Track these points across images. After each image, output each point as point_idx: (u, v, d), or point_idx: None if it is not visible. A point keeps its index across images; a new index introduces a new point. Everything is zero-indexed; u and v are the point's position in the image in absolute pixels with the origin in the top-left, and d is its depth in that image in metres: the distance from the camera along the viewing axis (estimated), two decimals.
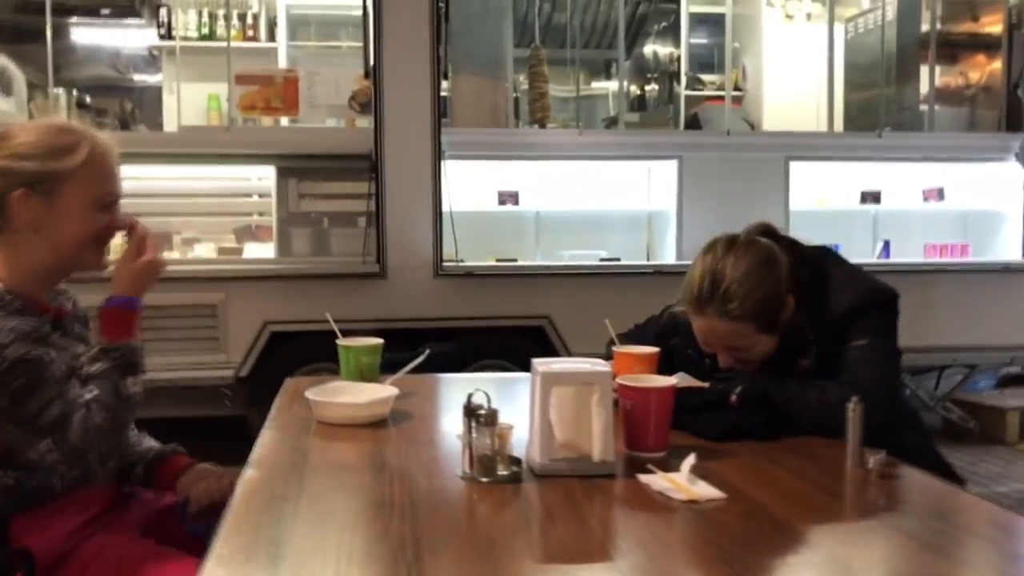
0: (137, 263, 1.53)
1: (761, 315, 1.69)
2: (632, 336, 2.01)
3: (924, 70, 4.74)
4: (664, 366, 1.79)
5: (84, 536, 1.44)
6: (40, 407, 1.35)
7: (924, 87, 4.76)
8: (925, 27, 4.71)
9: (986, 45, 4.85)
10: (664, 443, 1.46)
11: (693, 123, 5.21)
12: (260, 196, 4.21)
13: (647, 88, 6.10)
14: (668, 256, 4.28)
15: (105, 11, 5.72)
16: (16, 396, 1.34)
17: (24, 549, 1.37)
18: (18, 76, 4.44)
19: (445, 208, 3.95)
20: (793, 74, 5.51)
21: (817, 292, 1.77)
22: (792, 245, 1.80)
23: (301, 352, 3.88)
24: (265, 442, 1.54)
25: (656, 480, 1.30)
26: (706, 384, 1.72)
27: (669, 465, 1.36)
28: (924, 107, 4.72)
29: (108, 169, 1.53)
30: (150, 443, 1.70)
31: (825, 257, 1.84)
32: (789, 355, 1.75)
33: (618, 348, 1.79)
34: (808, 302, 1.75)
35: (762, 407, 1.61)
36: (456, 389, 2.12)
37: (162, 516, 1.59)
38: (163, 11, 5.40)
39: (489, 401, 1.34)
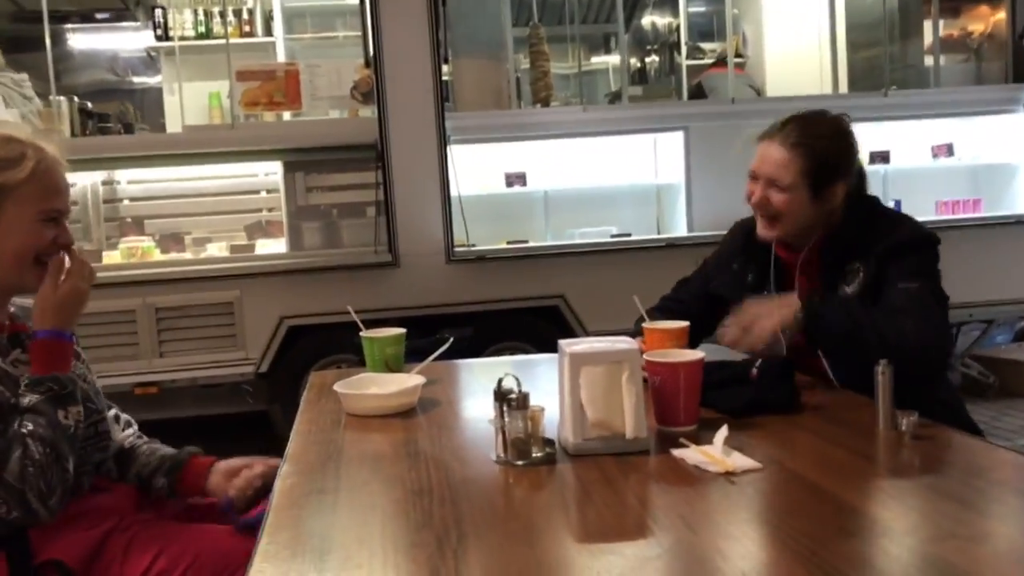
0: (58, 293, 1.43)
1: (810, 160, 1.81)
2: (664, 308, 2.04)
3: (927, 25, 4.69)
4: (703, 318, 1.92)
5: (112, 532, 1.43)
6: None
7: (928, 42, 4.71)
8: None
9: None
10: (695, 417, 1.46)
11: (697, 92, 5.17)
12: (268, 192, 4.22)
13: (647, 60, 6.07)
14: (679, 228, 4.27)
15: (100, 15, 5.72)
16: None
17: (55, 561, 1.36)
18: (13, 93, 4.45)
19: (453, 193, 3.94)
20: (794, 37, 5.45)
21: (867, 221, 1.84)
22: (863, 180, 1.93)
23: (319, 345, 3.90)
24: (297, 437, 1.56)
25: (690, 454, 1.31)
26: (729, 357, 1.74)
27: (701, 439, 1.37)
28: (929, 62, 4.67)
29: (55, 182, 1.47)
30: (164, 451, 1.67)
31: (877, 199, 1.93)
32: (835, 281, 1.82)
33: (647, 324, 1.79)
34: (857, 226, 1.83)
35: (783, 380, 1.61)
36: (477, 373, 2.13)
37: (195, 513, 1.59)
38: (158, 12, 5.38)
39: (519, 384, 1.35)
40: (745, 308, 1.75)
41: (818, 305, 1.72)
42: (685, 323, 1.77)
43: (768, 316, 1.71)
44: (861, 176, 1.93)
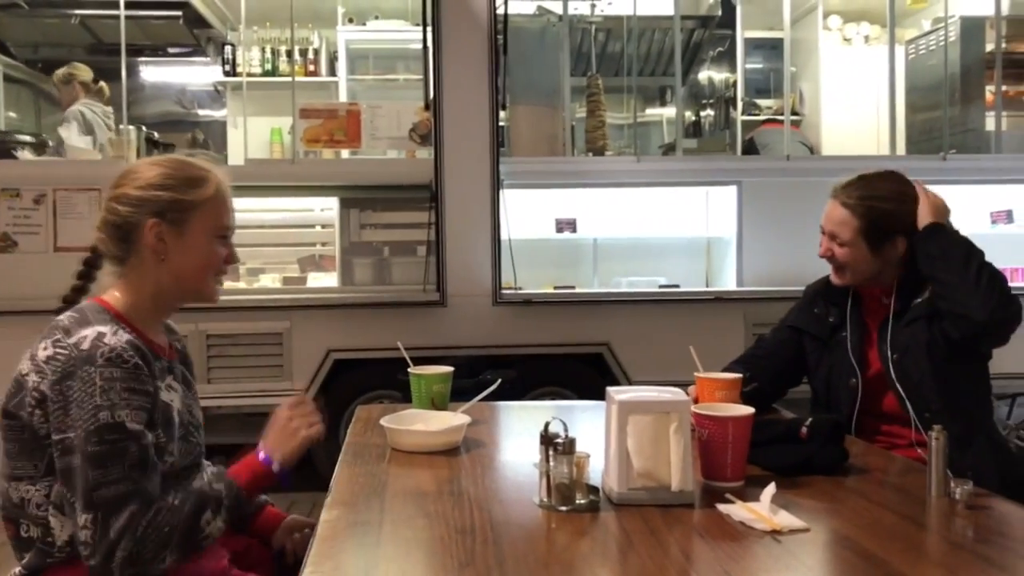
0: (298, 435, 1.52)
1: (866, 219, 1.95)
2: (743, 360, 2.11)
3: (989, 89, 4.65)
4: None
5: (182, 571, 1.44)
6: (101, 481, 1.30)
7: (989, 106, 4.66)
8: (989, 47, 4.63)
9: None
10: (741, 472, 1.45)
11: (749, 148, 5.17)
12: (323, 227, 4.30)
13: (702, 114, 6.08)
14: (728, 282, 4.24)
15: (173, 50, 5.94)
16: (89, 460, 1.30)
17: None
18: (100, 122, 4.67)
19: (504, 236, 3.97)
20: (851, 98, 5.44)
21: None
22: None
23: (364, 379, 3.93)
24: (343, 468, 1.57)
25: (736, 510, 1.29)
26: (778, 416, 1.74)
27: (747, 495, 1.35)
28: (990, 127, 4.61)
29: (229, 202, 1.59)
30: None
31: None
32: (911, 296, 1.97)
33: (700, 373, 1.80)
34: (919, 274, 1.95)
35: (833, 441, 1.59)
36: (522, 416, 2.14)
37: (240, 556, 1.62)
38: (228, 49, 5.58)
39: (566, 429, 1.35)
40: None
41: (817, 426, 1.68)
42: (738, 376, 1.77)
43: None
44: None
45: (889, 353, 1.94)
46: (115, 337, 1.38)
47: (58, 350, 1.37)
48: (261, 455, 1.49)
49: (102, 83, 4.83)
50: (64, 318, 1.44)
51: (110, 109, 4.78)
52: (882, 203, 1.98)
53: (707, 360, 1.97)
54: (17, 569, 1.44)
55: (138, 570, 1.31)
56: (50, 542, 1.40)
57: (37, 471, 1.39)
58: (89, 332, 1.38)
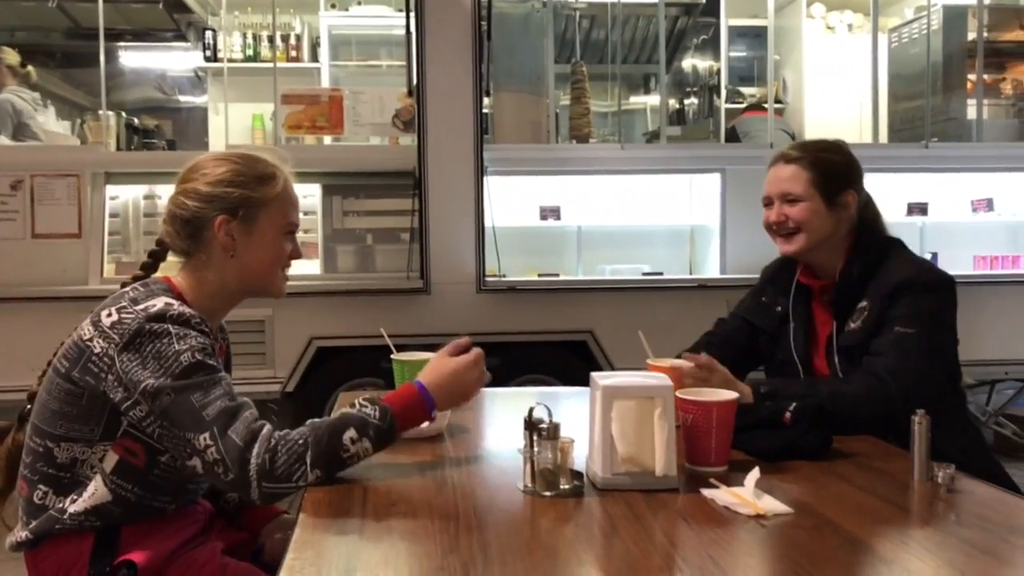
0: (463, 379, 1.49)
1: (817, 169, 1.91)
2: (707, 344, 2.08)
3: (970, 79, 4.67)
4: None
5: (178, 556, 1.46)
6: (204, 401, 1.33)
7: (971, 96, 4.69)
8: (971, 35, 4.65)
9: None
10: (725, 457, 1.45)
11: (731, 136, 5.18)
12: (305, 213, 4.26)
13: (686, 102, 6.08)
14: (711, 270, 4.25)
15: (153, 35, 5.86)
16: (184, 391, 1.33)
17: (129, 562, 1.39)
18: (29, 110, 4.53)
19: (487, 224, 3.96)
20: (834, 86, 5.45)
21: (877, 260, 1.89)
22: (877, 223, 2.00)
23: (346, 367, 3.91)
24: None
25: (721, 495, 1.29)
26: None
27: (731, 480, 1.35)
28: (971, 116, 4.64)
29: (295, 198, 1.59)
30: None
31: (896, 240, 1.98)
32: (847, 317, 1.87)
33: (651, 360, 1.78)
34: (868, 264, 1.88)
35: (817, 425, 1.59)
36: (504, 403, 2.13)
37: (235, 549, 1.61)
38: (208, 34, 5.51)
39: (550, 415, 1.34)
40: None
41: (801, 411, 1.64)
42: (689, 364, 1.73)
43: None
44: (872, 207, 2.00)
45: (836, 361, 1.87)
46: (183, 308, 1.41)
47: (124, 316, 1.39)
48: (422, 393, 1.46)
49: (29, 67, 4.70)
50: (129, 290, 1.46)
51: (37, 95, 4.67)
52: (830, 154, 1.95)
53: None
54: (24, 533, 1.44)
55: (276, 485, 1.32)
56: (61, 508, 1.41)
57: (94, 434, 1.41)
58: (158, 301, 1.40)
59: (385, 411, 1.41)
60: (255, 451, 1.30)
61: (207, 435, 1.31)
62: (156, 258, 1.61)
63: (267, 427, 1.34)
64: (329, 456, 1.35)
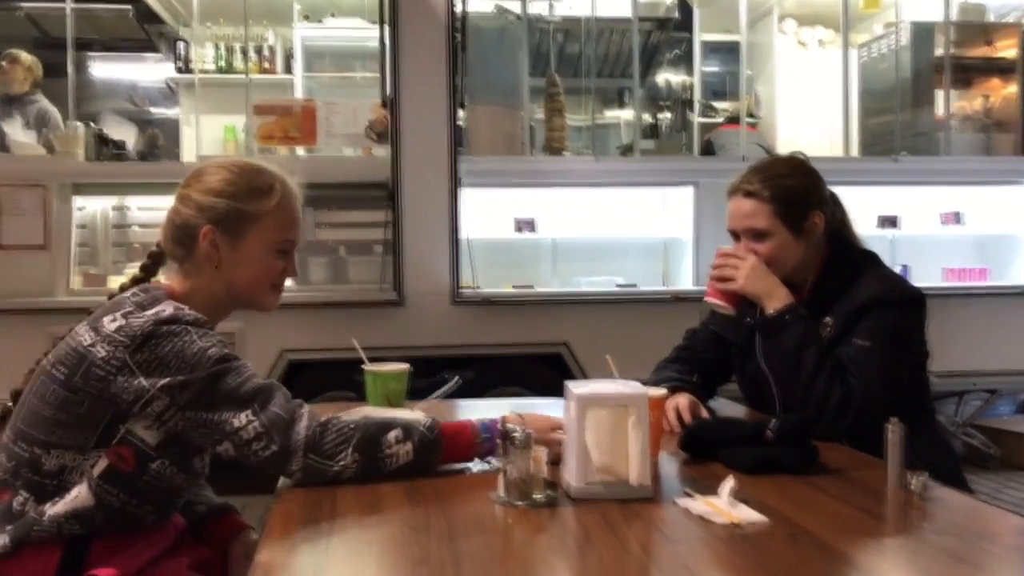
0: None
1: (779, 197, 1.83)
2: (679, 360, 2.08)
3: (939, 95, 4.75)
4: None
5: (145, 572, 1.42)
6: (240, 382, 1.35)
7: (940, 111, 4.76)
8: (939, 51, 4.72)
9: (1000, 69, 4.87)
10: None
11: (707, 150, 5.21)
12: None
13: (660, 116, 6.12)
14: (685, 282, 4.26)
15: (123, 46, 5.81)
16: (218, 377, 1.34)
17: None
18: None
19: (462, 236, 3.95)
20: (806, 100, 5.51)
21: (850, 277, 1.85)
22: (848, 233, 1.95)
23: (319, 380, 3.86)
24: None
25: (695, 504, 1.28)
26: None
27: (708, 490, 1.34)
28: (940, 131, 4.71)
29: (293, 215, 1.55)
30: (210, 494, 1.69)
31: (869, 255, 1.93)
32: None
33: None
34: (836, 278, 1.85)
35: (798, 442, 1.57)
36: (480, 414, 2.10)
37: (201, 565, 1.57)
38: (180, 45, 5.47)
39: (523, 425, 1.33)
40: (739, 255, 1.84)
41: (791, 317, 1.75)
42: (664, 392, 1.75)
43: (747, 278, 1.82)
44: (840, 213, 1.96)
45: None
46: (193, 312, 1.40)
47: (133, 320, 1.36)
48: (476, 425, 1.48)
49: None
50: (131, 295, 1.43)
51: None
52: (787, 180, 1.87)
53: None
54: (2, 540, 1.38)
55: (319, 460, 1.34)
56: (40, 511, 1.36)
57: (87, 442, 1.37)
58: (167, 307, 1.39)
59: (433, 421, 1.44)
60: (304, 424, 1.35)
61: (248, 412, 1.34)
62: (155, 261, 1.58)
63: (306, 405, 1.38)
64: (371, 446, 1.38)
